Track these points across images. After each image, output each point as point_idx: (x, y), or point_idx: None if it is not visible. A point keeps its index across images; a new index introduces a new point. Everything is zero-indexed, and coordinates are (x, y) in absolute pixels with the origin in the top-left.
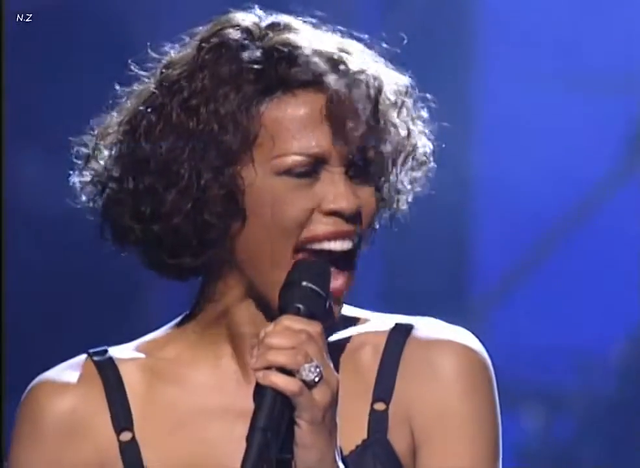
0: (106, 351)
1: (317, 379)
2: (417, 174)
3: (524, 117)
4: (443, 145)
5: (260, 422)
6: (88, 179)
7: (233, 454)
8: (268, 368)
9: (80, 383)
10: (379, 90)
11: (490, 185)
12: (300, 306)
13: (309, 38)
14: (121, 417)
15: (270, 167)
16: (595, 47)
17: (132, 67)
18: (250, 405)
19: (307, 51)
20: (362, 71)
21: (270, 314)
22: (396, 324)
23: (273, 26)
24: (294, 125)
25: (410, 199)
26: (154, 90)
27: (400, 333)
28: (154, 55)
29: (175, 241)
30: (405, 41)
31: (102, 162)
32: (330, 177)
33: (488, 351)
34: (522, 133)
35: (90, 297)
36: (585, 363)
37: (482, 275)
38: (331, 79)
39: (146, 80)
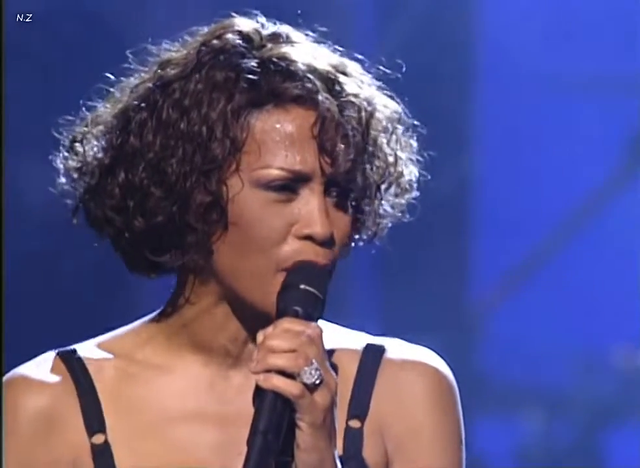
0: (74, 351)
1: (317, 381)
2: (400, 201)
3: (524, 120)
4: (443, 148)
5: (261, 425)
6: (73, 163)
7: (204, 460)
8: (268, 371)
9: (53, 382)
10: (371, 115)
11: (490, 188)
12: (299, 309)
13: (308, 53)
14: (94, 419)
15: (252, 178)
16: (595, 50)
17: (130, 60)
18: (220, 411)
19: (303, 67)
20: (356, 94)
21: (247, 322)
22: (368, 345)
23: (273, 36)
24: (281, 140)
25: (389, 225)
26: (150, 86)
27: (373, 354)
28: (153, 50)
29: (156, 239)
30: (405, 45)
31: (90, 150)
32: (309, 197)
33: (488, 352)
34: (522, 136)
35: (87, 293)
36: (585, 365)
37: (482, 276)
38: (324, 98)
39: (142, 75)
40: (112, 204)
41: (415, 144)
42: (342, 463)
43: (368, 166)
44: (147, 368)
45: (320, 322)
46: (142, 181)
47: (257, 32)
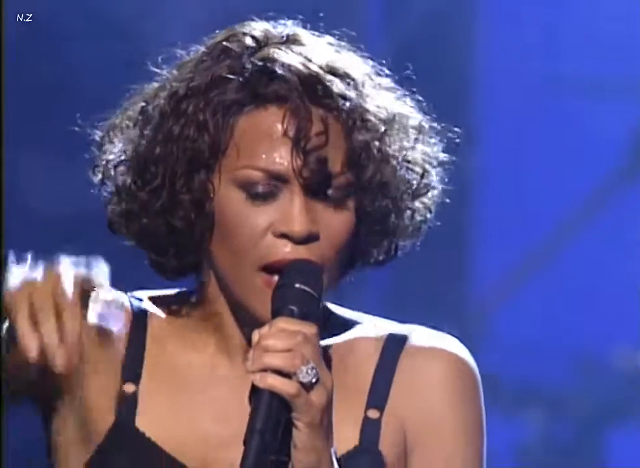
0: (141, 300)
1: (313, 380)
2: (416, 204)
3: (525, 120)
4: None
5: (257, 424)
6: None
7: (217, 453)
8: (264, 370)
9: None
10: (354, 119)
11: (491, 188)
12: (294, 308)
13: (300, 54)
14: (132, 368)
15: (232, 178)
16: (596, 51)
17: (155, 65)
18: (238, 411)
19: (283, 68)
20: (343, 96)
21: (249, 322)
22: (390, 334)
23: (275, 38)
24: (259, 140)
25: (418, 229)
26: (158, 90)
27: (396, 343)
28: (177, 55)
29: (151, 241)
30: (406, 45)
31: (108, 155)
32: (289, 197)
33: (489, 352)
34: (523, 136)
35: None
36: (585, 364)
37: (483, 276)
38: (296, 97)
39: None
40: (113, 209)
41: (431, 148)
42: (357, 456)
43: (355, 167)
44: (197, 343)
45: (343, 310)
46: (127, 183)
47: (265, 34)
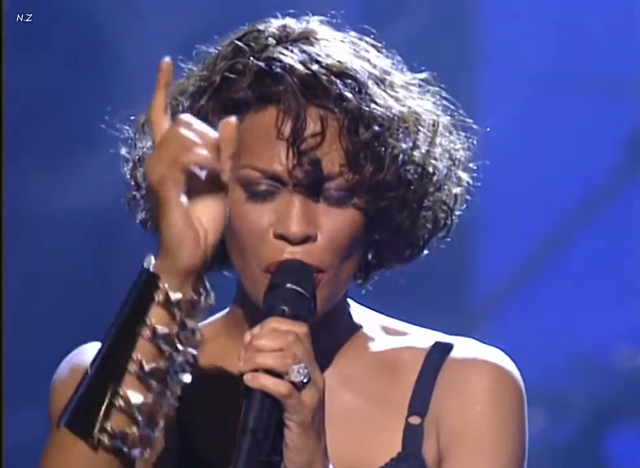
0: None
1: (305, 380)
2: (430, 201)
3: (525, 120)
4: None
5: (249, 423)
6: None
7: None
8: (256, 370)
9: None
10: (353, 119)
11: (491, 188)
12: (285, 308)
13: (309, 53)
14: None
15: (236, 177)
16: (596, 50)
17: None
18: None
19: (286, 68)
20: (341, 96)
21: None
22: (436, 343)
23: (289, 36)
24: (258, 140)
25: (439, 224)
26: (180, 86)
27: (440, 352)
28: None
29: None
30: (407, 44)
31: (134, 152)
32: (287, 198)
33: None
34: (524, 135)
35: (89, 298)
36: (586, 365)
37: (483, 277)
38: (295, 99)
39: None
40: (140, 205)
41: (449, 145)
42: (401, 462)
43: (358, 166)
44: (209, 362)
45: (391, 320)
46: (140, 180)
47: (278, 32)
